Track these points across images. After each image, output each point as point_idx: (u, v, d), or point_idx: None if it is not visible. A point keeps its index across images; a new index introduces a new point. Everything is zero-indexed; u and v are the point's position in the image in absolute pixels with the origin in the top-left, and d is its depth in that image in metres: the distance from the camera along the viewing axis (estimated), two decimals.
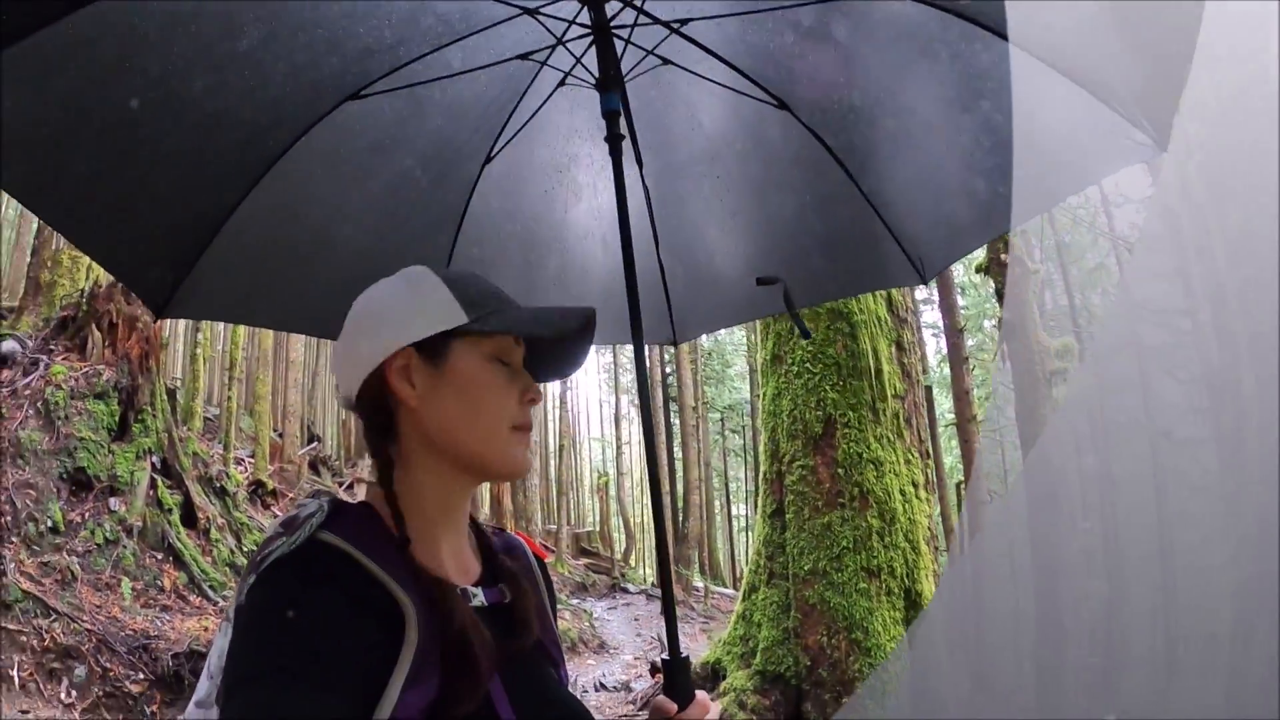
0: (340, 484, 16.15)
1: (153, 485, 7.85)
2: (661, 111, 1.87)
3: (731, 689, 6.30)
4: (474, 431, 0.97)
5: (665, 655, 1.17)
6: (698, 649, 9.45)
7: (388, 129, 1.70)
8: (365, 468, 16.84)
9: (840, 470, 6.46)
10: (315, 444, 16.44)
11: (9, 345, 7.12)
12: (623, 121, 1.51)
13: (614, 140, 1.48)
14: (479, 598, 0.97)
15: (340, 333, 1.02)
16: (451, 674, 0.84)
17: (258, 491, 10.77)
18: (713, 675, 6.67)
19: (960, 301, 12.14)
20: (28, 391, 6.90)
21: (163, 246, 1.57)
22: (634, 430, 30.93)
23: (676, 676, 1.11)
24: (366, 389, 0.97)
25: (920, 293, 12.32)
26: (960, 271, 12.35)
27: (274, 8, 1.39)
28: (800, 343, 6.82)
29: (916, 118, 1.74)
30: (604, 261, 2.14)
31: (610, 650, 12.46)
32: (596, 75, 1.52)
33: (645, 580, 19.80)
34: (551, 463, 27.24)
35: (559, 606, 1.14)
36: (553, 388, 26.08)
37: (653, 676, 9.25)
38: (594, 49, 1.53)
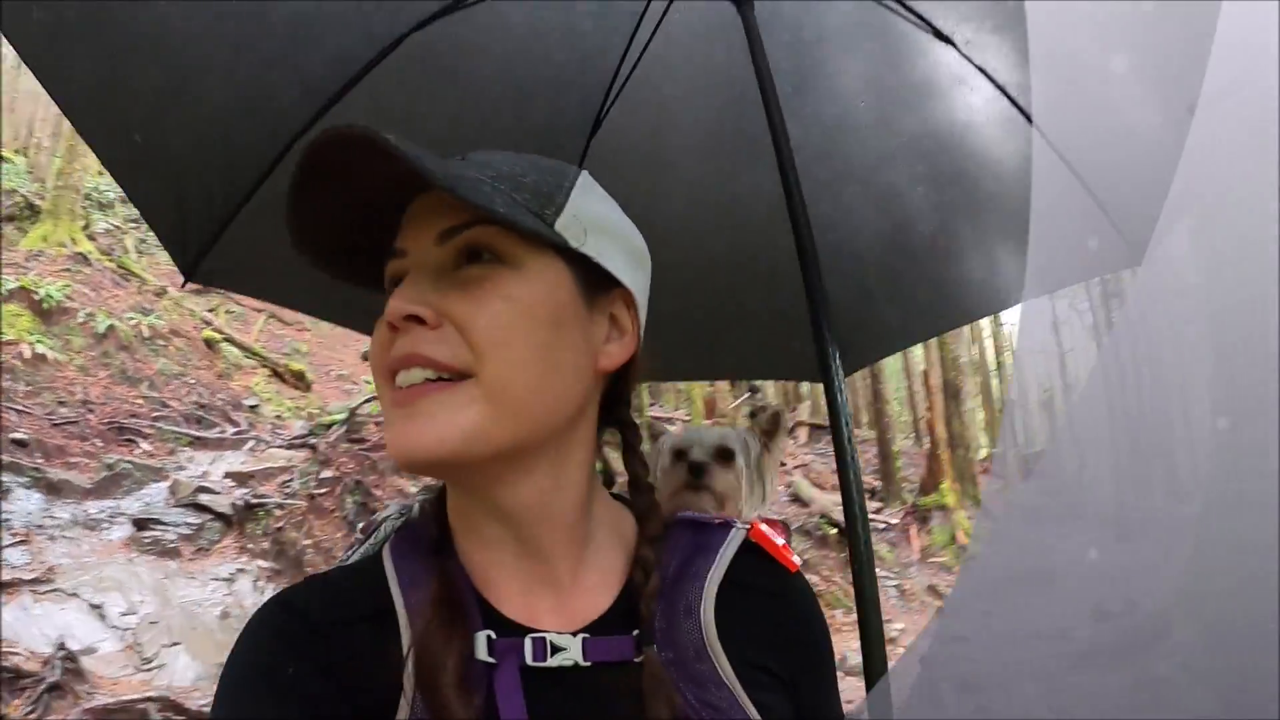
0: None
1: None
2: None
3: None
4: None
5: None
6: None
7: (474, 58, 1.47)
8: (805, 410, 16.35)
9: None
10: (750, 394, 16.57)
11: None
12: None
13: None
14: (570, 650, 0.62)
15: None
16: None
17: None
18: None
19: None
20: None
21: (198, 203, 1.43)
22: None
23: None
24: None
25: None
26: None
27: None
28: None
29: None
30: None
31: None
32: None
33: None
34: (993, 382, 24.90)
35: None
36: None
37: None
38: None
